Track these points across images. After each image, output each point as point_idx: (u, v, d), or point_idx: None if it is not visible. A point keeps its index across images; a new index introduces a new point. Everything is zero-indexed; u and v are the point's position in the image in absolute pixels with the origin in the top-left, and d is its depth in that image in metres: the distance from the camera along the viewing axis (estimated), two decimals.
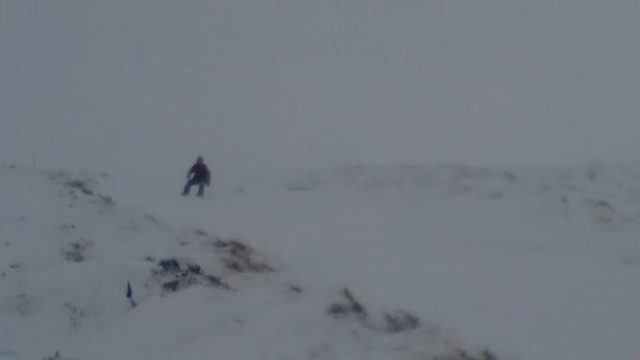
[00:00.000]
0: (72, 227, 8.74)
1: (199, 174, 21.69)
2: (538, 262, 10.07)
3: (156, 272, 6.16)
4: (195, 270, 6.34)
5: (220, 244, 7.89)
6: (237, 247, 7.84)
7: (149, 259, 6.66)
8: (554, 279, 8.67)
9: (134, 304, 5.55)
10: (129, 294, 5.69)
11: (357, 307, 5.49)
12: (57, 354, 4.45)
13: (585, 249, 11.39)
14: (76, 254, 7.15)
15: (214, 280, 6.09)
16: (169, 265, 6.41)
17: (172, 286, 5.90)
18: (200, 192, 21.64)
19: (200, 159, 22.11)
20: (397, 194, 19.73)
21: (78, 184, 14.47)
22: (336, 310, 5.31)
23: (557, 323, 6.12)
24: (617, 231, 13.33)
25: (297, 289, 6.09)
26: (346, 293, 5.66)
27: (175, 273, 6.20)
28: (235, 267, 6.97)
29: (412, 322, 5.34)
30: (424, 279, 8.00)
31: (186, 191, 21.44)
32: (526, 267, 9.54)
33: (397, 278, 7.96)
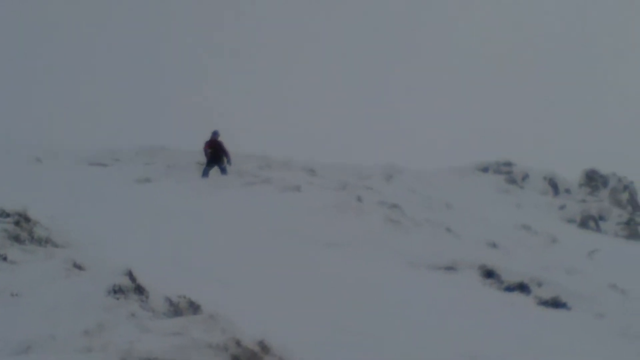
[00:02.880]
0: None
1: (215, 153, 20.97)
2: (327, 258, 11.33)
3: None
4: None
5: (3, 214, 7.72)
6: (22, 219, 7.76)
7: None
8: (342, 276, 9.93)
9: None
10: None
11: (139, 290, 5.71)
12: None
13: (375, 249, 12.85)
14: None
15: None
16: None
17: None
18: (224, 171, 20.88)
19: (215, 134, 21.40)
20: (199, 178, 20.46)
21: None
22: (117, 291, 5.51)
23: (338, 319, 6.77)
24: (406, 233, 15.17)
25: (80, 267, 6.21)
26: (129, 275, 5.81)
27: None
28: (17, 239, 7.04)
29: (194, 308, 5.72)
30: (213, 266, 8.44)
31: (205, 174, 20.75)
32: (315, 263, 10.59)
33: (186, 264, 8.28)
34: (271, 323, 5.80)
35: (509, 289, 11.36)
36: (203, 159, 21.55)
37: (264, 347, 5.00)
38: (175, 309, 5.71)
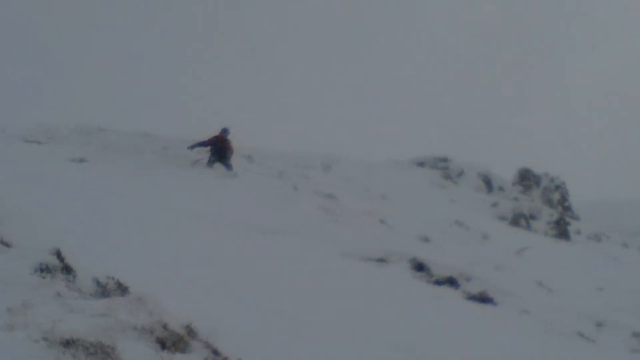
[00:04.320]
0: None
1: (221, 151, 19.99)
2: (262, 245, 11.30)
3: None
4: None
5: None
6: None
7: None
8: (274, 263, 10.07)
9: None
10: None
11: (66, 269, 5.57)
12: None
13: (308, 238, 13.05)
14: None
15: None
16: None
17: None
18: (228, 167, 19.83)
19: (225, 131, 20.33)
20: (136, 160, 20.16)
21: None
22: (44, 269, 5.38)
23: (269, 306, 6.80)
24: (340, 224, 15.45)
25: (6, 244, 6.08)
26: (57, 254, 5.68)
27: None
28: None
29: (122, 289, 5.60)
30: (145, 248, 8.33)
31: (210, 165, 19.87)
32: (248, 249, 10.72)
33: (118, 245, 8.11)
34: (202, 307, 5.85)
35: (439, 282, 11.63)
36: (195, 155, 20.72)
37: (191, 331, 5.00)
38: (103, 290, 5.60)
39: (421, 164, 44.00)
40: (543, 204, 40.97)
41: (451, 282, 11.73)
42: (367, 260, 11.97)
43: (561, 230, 34.91)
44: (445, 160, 44.51)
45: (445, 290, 11.36)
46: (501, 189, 43.77)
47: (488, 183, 43.61)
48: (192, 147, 20.23)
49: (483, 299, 11.18)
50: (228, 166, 19.87)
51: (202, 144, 20.23)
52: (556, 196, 44.83)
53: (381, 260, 12.20)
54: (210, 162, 19.94)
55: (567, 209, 44.98)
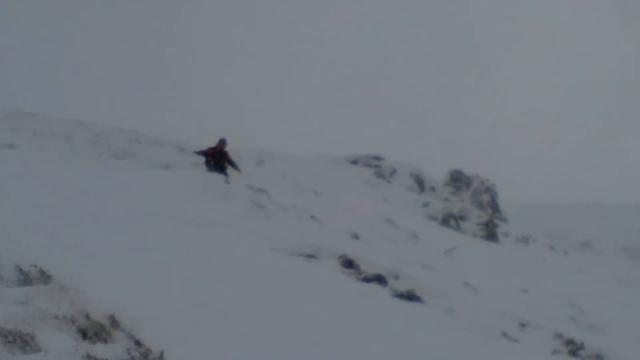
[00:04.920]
0: None
1: (218, 162, 19.32)
2: (192, 237, 11.28)
3: None
4: None
5: None
6: None
7: None
8: (203, 256, 10.05)
9: None
10: None
11: None
12: None
13: (238, 232, 13.08)
14: None
15: None
16: None
17: None
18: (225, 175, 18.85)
19: (223, 142, 19.62)
20: (66, 148, 19.75)
21: None
22: None
23: (195, 297, 6.83)
24: (271, 218, 15.45)
25: None
26: None
27: None
28: None
29: (45, 278, 5.46)
30: (74, 238, 8.13)
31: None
32: (177, 240, 10.67)
33: (46, 233, 8.22)
34: (127, 298, 5.79)
35: (367, 280, 11.75)
36: (197, 159, 20.37)
37: (114, 322, 4.96)
38: (25, 278, 5.48)
39: (355, 162, 44.41)
40: (473, 205, 41.83)
41: (379, 279, 11.87)
42: (297, 256, 12.03)
43: (490, 231, 35.69)
44: (378, 158, 45.03)
45: (373, 287, 11.49)
46: (433, 189, 44.50)
47: (420, 183, 44.27)
48: (197, 153, 19.92)
49: (410, 297, 11.35)
50: (225, 175, 19.27)
51: (201, 152, 19.75)
52: (486, 198, 45.85)
53: (311, 256, 12.27)
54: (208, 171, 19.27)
55: (496, 211, 46.04)
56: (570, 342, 11.52)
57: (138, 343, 4.79)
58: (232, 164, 19.67)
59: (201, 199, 15.09)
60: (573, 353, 11.17)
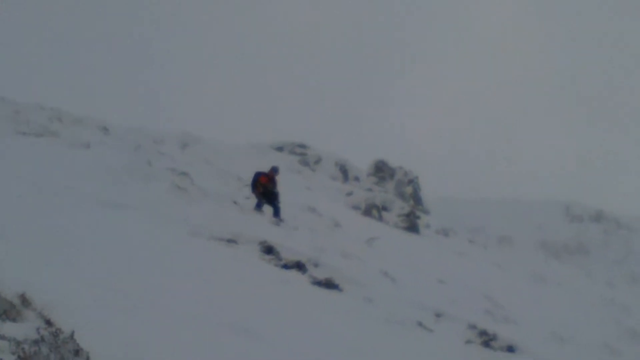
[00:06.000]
0: None
1: (268, 190, 18.33)
2: (109, 219, 11.06)
3: None
4: None
5: None
6: None
7: None
8: (120, 238, 9.84)
9: None
10: None
11: None
12: None
13: (158, 214, 12.94)
14: None
15: None
16: None
17: None
18: (277, 212, 18.06)
19: (275, 171, 18.93)
20: None
21: None
22: None
23: (109, 280, 6.73)
24: (192, 202, 15.30)
25: None
26: None
27: None
28: None
29: None
30: None
31: (259, 207, 18.09)
32: (96, 223, 10.39)
33: None
34: (38, 278, 5.74)
35: (286, 266, 11.76)
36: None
37: (25, 301, 4.88)
38: None
39: (280, 149, 44.37)
40: (396, 196, 42.26)
41: (299, 266, 11.89)
42: (217, 240, 11.96)
43: (411, 223, 36.10)
44: (303, 146, 45.12)
45: (293, 274, 11.52)
46: (357, 179, 44.87)
47: (344, 172, 44.57)
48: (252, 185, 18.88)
49: (329, 285, 11.40)
50: (277, 210, 18.44)
51: (254, 179, 18.78)
52: (409, 190, 46.42)
53: (231, 241, 12.21)
54: (259, 207, 18.54)
55: (418, 203, 46.69)
56: (483, 333, 11.78)
57: (49, 323, 4.72)
58: (276, 195, 18.70)
59: (121, 181, 14.85)
60: (486, 344, 11.43)
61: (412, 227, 35.84)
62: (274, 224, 17.13)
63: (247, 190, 19.74)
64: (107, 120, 27.27)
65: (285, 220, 17.99)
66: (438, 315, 12.39)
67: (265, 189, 18.37)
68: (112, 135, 23.89)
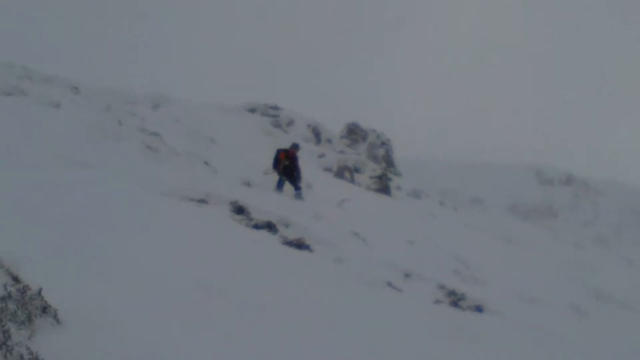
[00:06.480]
0: None
1: (289, 166, 19.20)
2: (77, 179, 10.99)
3: None
4: None
5: None
6: None
7: None
8: (88, 198, 9.74)
9: None
10: None
11: None
12: None
13: (129, 174, 12.78)
14: None
15: None
16: None
17: None
18: (298, 190, 18.90)
19: (296, 147, 19.93)
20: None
21: None
22: None
23: (80, 241, 6.73)
24: (163, 162, 15.15)
25: None
26: None
27: None
28: None
29: None
30: None
31: (280, 187, 18.76)
32: (64, 182, 10.33)
33: None
34: (6, 236, 5.87)
35: (257, 226, 11.78)
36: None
37: None
38: None
39: (252, 111, 44.16)
40: (368, 158, 42.41)
41: (270, 227, 11.92)
42: (188, 200, 11.91)
43: (383, 185, 36.30)
44: (276, 108, 44.93)
45: (263, 234, 11.54)
46: (329, 141, 44.87)
47: (317, 134, 44.53)
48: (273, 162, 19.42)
49: (300, 245, 11.45)
50: (298, 189, 19.13)
51: (275, 156, 19.41)
52: (381, 152, 46.56)
53: (202, 201, 12.18)
54: (280, 185, 19.16)
55: (390, 165, 46.88)
56: (452, 293, 11.95)
57: (16, 280, 4.70)
58: (298, 170, 19.44)
59: (91, 140, 14.65)
60: (454, 303, 11.59)
61: (384, 189, 36.03)
62: (296, 199, 18.07)
63: (268, 169, 20.07)
64: (78, 80, 26.93)
65: (305, 199, 18.75)
66: (407, 275, 12.52)
67: (285, 165, 19.10)
68: (83, 95, 23.62)
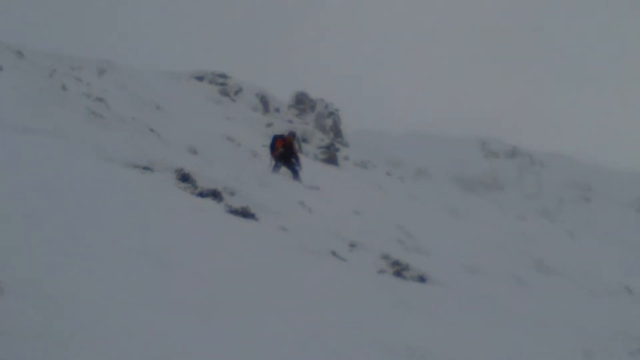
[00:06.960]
0: None
1: (285, 154, 20.48)
2: (19, 144, 10.76)
3: None
4: None
5: None
6: None
7: None
8: (29, 164, 9.57)
9: None
10: None
11: None
12: None
13: (71, 140, 12.55)
14: None
15: None
16: None
17: None
18: (296, 175, 19.86)
19: (292, 134, 21.55)
20: None
21: None
22: None
23: (20, 208, 6.61)
24: (107, 129, 14.96)
25: None
26: None
27: None
28: None
29: None
30: None
31: (276, 169, 19.80)
32: (6, 148, 10.12)
33: None
34: None
35: (202, 194, 11.68)
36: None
37: None
38: None
39: (200, 78, 43.73)
40: (316, 128, 42.41)
41: (215, 195, 11.83)
42: (132, 167, 11.73)
43: (331, 155, 36.41)
44: (224, 76, 44.55)
45: (208, 202, 11.46)
46: (277, 110, 44.74)
47: (265, 103, 44.34)
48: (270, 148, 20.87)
49: (244, 213, 11.39)
50: (295, 173, 20.31)
51: (271, 142, 20.83)
52: (329, 122, 46.62)
53: (146, 168, 12.00)
54: (276, 169, 20.29)
55: (338, 135, 46.98)
56: (396, 263, 12.04)
57: None
58: (296, 157, 20.78)
59: (32, 105, 14.28)
60: (398, 273, 11.69)
61: (331, 159, 36.15)
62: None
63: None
64: (23, 44, 26.17)
65: (304, 184, 19.55)
66: (352, 245, 12.58)
67: (281, 152, 20.37)
68: (27, 59, 22.96)
